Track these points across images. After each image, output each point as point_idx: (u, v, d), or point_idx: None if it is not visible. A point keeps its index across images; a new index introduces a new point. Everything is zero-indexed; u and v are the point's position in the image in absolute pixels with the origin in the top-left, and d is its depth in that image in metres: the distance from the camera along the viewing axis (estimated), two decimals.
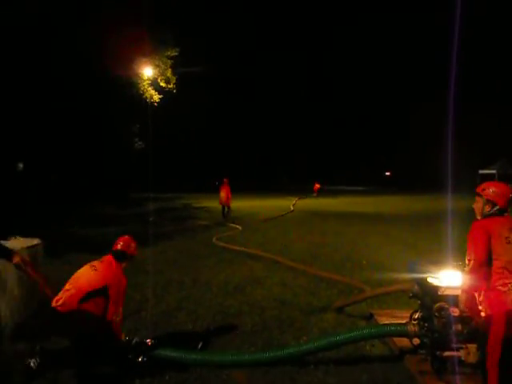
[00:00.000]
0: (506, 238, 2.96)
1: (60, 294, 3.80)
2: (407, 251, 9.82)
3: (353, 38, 65.47)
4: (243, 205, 25.55)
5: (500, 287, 2.92)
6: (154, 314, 5.50)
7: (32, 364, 3.69)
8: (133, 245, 4.22)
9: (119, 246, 4.12)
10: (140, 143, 32.17)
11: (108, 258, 4.07)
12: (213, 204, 17.89)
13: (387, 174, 65.22)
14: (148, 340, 4.20)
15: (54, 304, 3.75)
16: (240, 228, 14.17)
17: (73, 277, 3.95)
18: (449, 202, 21.51)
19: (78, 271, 3.99)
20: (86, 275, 3.88)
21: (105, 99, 26.33)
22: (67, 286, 3.85)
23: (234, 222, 15.62)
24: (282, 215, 19.23)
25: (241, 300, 6.17)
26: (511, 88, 45.18)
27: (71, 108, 24.59)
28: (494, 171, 35.81)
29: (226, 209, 16.96)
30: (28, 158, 24.65)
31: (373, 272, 7.76)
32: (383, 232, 13.49)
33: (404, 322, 4.09)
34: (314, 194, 36.53)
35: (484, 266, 2.96)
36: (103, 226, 14.79)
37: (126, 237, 4.27)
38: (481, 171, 38.07)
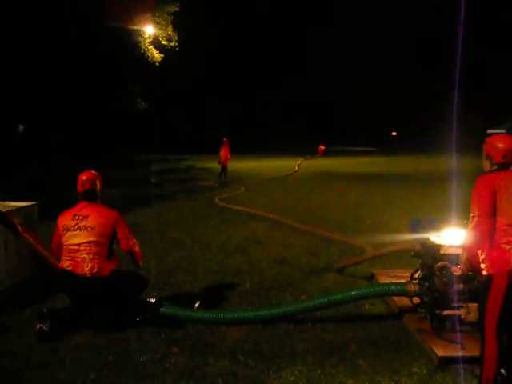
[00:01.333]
0: None
1: (86, 263, 3.76)
2: (412, 211, 9.67)
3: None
4: (247, 165, 25.39)
5: (504, 245, 2.77)
6: (153, 274, 5.46)
7: (44, 327, 3.63)
8: (98, 179, 4.14)
9: (87, 187, 4.01)
10: (143, 104, 31.70)
11: (85, 207, 3.94)
12: (217, 165, 17.68)
13: (393, 134, 64.23)
14: (152, 299, 4.18)
15: (87, 273, 3.75)
16: (243, 189, 14.07)
17: (77, 245, 3.80)
18: (454, 162, 21.16)
19: (75, 237, 3.81)
20: (92, 234, 3.80)
21: (105, 59, 25.73)
22: (84, 254, 3.77)
23: (226, 183, 15.81)
24: (287, 175, 19.10)
25: (240, 260, 6.13)
26: None
27: (72, 68, 24.10)
28: (503, 131, 35.09)
29: (222, 169, 16.76)
30: (29, 119, 24.42)
31: (376, 232, 7.66)
32: (388, 192, 13.33)
33: (404, 281, 4.00)
34: (319, 155, 36.15)
35: (488, 223, 2.79)
36: (103, 187, 14.70)
37: (89, 173, 4.12)
38: (489, 131, 37.35)
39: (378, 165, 26.58)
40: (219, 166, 16.84)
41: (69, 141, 28.22)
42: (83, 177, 4.04)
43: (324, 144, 38.19)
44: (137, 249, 4.01)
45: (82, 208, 3.95)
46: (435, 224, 3.92)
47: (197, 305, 4.35)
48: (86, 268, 3.76)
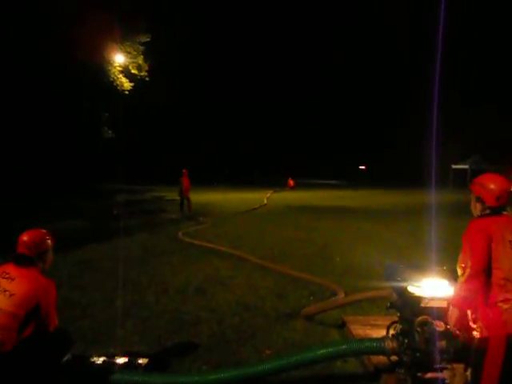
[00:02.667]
0: (510, 242, 2.39)
1: None
2: (382, 248, 9.37)
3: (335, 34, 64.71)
4: (214, 197, 24.88)
5: (501, 304, 2.35)
6: (98, 323, 4.81)
7: None
8: (42, 239, 3.27)
9: (32, 250, 3.19)
10: (110, 132, 30.93)
11: (18, 268, 3.12)
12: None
13: (362, 167, 65.28)
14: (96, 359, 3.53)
15: None
16: (209, 223, 13.50)
17: None
18: (424, 197, 21.33)
19: None
20: (8, 302, 2.94)
21: (72, 87, 25.10)
22: None
23: (192, 216, 15.40)
24: (255, 209, 18.64)
25: (200, 305, 5.52)
26: (486, 86, 45.66)
27: (36, 95, 23.28)
28: (466, 166, 36.07)
29: (186, 201, 16.46)
30: None
31: (346, 271, 7.27)
32: (358, 227, 13.04)
33: (380, 336, 3.52)
34: (288, 188, 36.10)
35: (482, 276, 2.38)
36: (61, 219, 13.85)
37: (31, 235, 3.27)
38: (454, 166, 38.34)
39: (347, 199, 26.53)
40: (179, 198, 16.76)
41: (31, 170, 27.05)
42: (23, 237, 3.23)
43: (293, 178, 38.21)
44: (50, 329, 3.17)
45: (14, 268, 3.14)
46: (413, 271, 3.49)
47: (141, 361, 3.74)
48: None
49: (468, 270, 2.39)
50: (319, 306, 5.04)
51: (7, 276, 3.05)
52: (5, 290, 2.97)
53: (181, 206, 16.58)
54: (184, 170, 16.54)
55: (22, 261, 3.15)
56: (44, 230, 3.37)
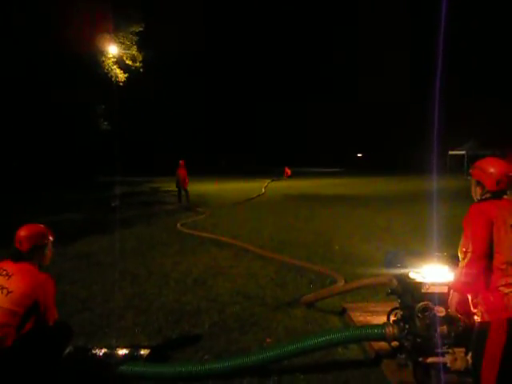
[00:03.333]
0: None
1: None
2: (380, 235, 9.39)
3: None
4: (213, 188, 24.85)
5: (502, 288, 2.35)
6: (98, 316, 4.80)
7: None
8: (39, 235, 3.20)
9: (24, 245, 3.13)
10: (106, 124, 30.74)
11: (15, 264, 3.07)
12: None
13: (359, 155, 65.26)
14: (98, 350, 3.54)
15: None
16: (207, 213, 13.48)
17: None
18: (422, 183, 21.37)
19: None
20: (7, 300, 2.89)
21: (66, 78, 24.86)
22: None
23: (190, 207, 15.36)
24: (253, 198, 18.62)
25: (200, 295, 5.53)
26: (484, 72, 45.44)
27: (30, 88, 23.08)
28: (463, 152, 35.99)
29: (183, 192, 16.44)
30: None
31: (345, 259, 7.28)
32: (355, 215, 13.06)
33: (381, 323, 3.53)
34: (285, 177, 36.09)
35: (483, 261, 2.37)
36: (60, 212, 13.83)
37: (28, 228, 3.21)
38: (450, 152, 38.28)
39: (344, 186, 26.53)
40: (176, 189, 16.80)
41: (29, 163, 26.95)
42: (21, 233, 3.16)
43: (289, 167, 38.18)
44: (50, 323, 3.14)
45: (11, 264, 3.08)
46: (413, 258, 3.49)
47: (143, 352, 3.75)
48: None
49: (469, 255, 2.39)
50: (319, 294, 5.05)
51: (4, 273, 3.00)
52: (2, 288, 2.92)
53: (179, 197, 16.57)
54: (181, 161, 16.46)
55: (20, 257, 3.11)
56: (42, 225, 3.31)
